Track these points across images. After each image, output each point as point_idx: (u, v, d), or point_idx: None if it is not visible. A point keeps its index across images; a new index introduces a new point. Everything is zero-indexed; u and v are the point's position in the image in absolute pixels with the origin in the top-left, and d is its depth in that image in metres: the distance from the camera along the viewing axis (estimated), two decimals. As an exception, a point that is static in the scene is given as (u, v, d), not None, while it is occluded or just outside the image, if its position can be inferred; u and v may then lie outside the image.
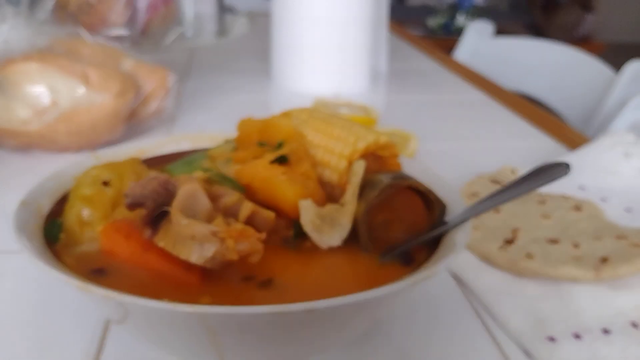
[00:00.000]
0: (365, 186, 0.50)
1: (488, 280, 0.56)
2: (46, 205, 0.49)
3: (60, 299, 0.53)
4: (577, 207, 0.64)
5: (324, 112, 0.59)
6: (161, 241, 0.42)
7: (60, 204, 0.50)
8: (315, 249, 0.47)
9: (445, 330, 0.51)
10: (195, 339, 0.39)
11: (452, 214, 0.49)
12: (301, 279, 0.45)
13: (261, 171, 0.50)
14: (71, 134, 0.83)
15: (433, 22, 4.38)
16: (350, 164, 0.52)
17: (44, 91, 0.80)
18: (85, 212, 0.47)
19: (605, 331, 0.50)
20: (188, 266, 0.41)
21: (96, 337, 0.48)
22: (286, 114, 0.60)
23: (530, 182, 0.46)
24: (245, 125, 0.58)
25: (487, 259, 0.59)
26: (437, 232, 0.47)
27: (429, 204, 0.50)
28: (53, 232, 0.47)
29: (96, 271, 0.43)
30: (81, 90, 0.82)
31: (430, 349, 0.49)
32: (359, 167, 0.50)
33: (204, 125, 1.01)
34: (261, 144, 0.55)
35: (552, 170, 0.46)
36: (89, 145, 0.86)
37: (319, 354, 0.46)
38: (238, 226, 0.42)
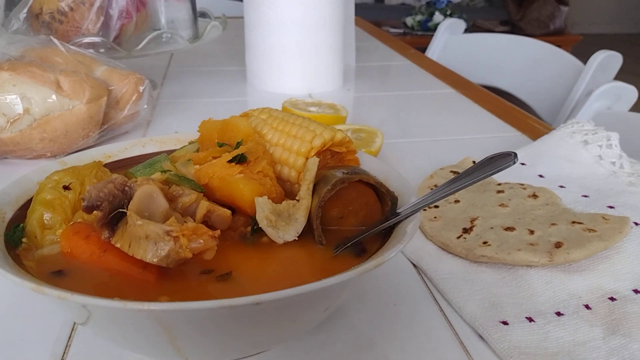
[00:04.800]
0: (319, 182, 0.51)
1: (446, 268, 0.58)
2: (9, 211, 0.50)
3: (30, 302, 0.54)
4: (534, 195, 0.66)
5: (283, 111, 0.61)
6: (118, 242, 0.43)
7: (25, 209, 0.51)
8: (272, 243, 0.48)
9: (405, 316, 0.53)
10: (151, 335, 0.40)
11: (405, 205, 0.50)
12: (258, 273, 0.46)
13: (219, 170, 0.51)
14: (45, 140, 0.84)
15: (411, 20, 4.42)
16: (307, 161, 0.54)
17: (16, 99, 0.81)
18: (46, 216, 0.48)
19: (559, 314, 0.51)
20: (145, 265, 0.42)
21: (63, 337, 0.49)
22: (246, 114, 0.61)
23: (479, 172, 0.47)
24: (205, 127, 0.59)
25: (446, 248, 0.60)
26: (389, 224, 0.49)
27: (381, 197, 0.52)
28: (15, 237, 0.48)
29: (56, 273, 0.44)
30: (53, 97, 0.83)
31: (389, 334, 0.50)
32: (312, 164, 0.52)
33: (179, 128, 1.02)
34: (221, 144, 0.56)
35: (500, 160, 0.47)
36: (64, 151, 0.87)
37: (277, 344, 0.48)
38: (190, 225, 0.43)
